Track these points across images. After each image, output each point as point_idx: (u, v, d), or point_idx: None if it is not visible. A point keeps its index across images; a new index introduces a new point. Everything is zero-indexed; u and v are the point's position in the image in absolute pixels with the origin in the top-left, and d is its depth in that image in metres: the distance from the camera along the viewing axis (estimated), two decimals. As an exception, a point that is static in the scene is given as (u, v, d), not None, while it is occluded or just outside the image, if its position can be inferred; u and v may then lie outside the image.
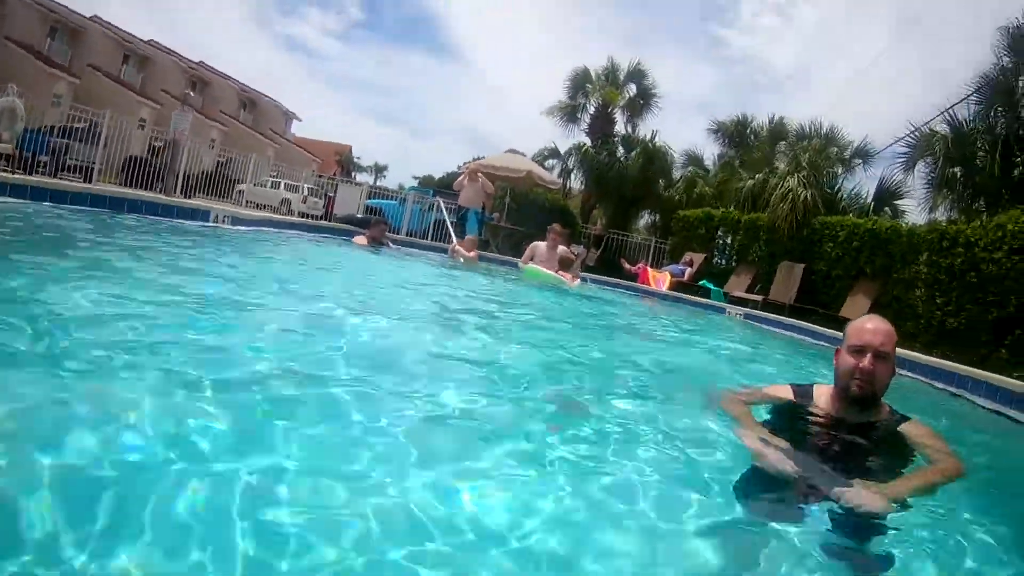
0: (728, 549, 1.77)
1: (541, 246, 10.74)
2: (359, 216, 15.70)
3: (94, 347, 2.42)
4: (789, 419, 2.66)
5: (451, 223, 15.36)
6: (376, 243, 11.06)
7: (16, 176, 7.98)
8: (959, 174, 13.23)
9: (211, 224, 8.70)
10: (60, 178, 12.40)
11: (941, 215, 13.85)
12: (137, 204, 8.02)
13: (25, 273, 3.42)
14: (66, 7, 34.05)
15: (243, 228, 9.30)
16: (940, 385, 6.80)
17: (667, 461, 2.37)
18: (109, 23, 36.82)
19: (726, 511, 2.02)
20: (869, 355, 2.39)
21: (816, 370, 5.77)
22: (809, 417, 2.60)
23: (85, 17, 35.52)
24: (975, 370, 6.84)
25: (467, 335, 4.52)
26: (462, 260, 11.65)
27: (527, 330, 5.49)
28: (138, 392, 2.04)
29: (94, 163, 14.72)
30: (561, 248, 10.76)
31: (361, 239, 11.08)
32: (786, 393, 2.74)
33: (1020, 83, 12.36)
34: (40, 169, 13.14)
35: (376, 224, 11.64)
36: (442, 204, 17.02)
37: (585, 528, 1.80)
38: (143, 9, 76.93)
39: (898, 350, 2.55)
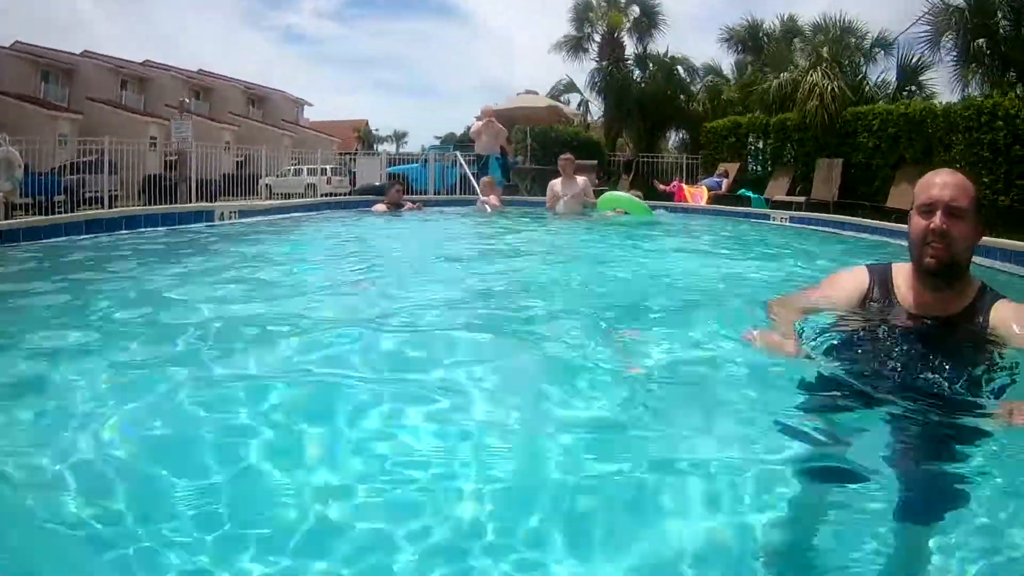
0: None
1: (557, 183, 10.23)
2: (377, 184, 15.31)
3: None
4: (857, 317, 2.27)
5: (472, 174, 14.85)
6: (395, 207, 10.74)
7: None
8: (984, 46, 12.54)
9: (216, 223, 8.45)
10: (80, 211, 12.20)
11: (973, 91, 13.14)
12: (136, 220, 7.82)
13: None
14: (54, 50, 34.44)
15: (250, 219, 9.03)
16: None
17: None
18: (100, 54, 37.03)
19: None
20: (939, 212, 2.00)
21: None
22: (881, 314, 2.22)
23: (75, 55, 35.84)
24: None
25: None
26: (488, 209, 11.17)
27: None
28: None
29: (109, 190, 14.50)
30: (580, 178, 10.30)
31: (380, 207, 10.77)
32: (861, 276, 2.34)
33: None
34: (59, 209, 12.96)
35: (390, 188, 11.33)
36: (460, 157, 16.51)
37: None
38: (134, 35, 77.94)
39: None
